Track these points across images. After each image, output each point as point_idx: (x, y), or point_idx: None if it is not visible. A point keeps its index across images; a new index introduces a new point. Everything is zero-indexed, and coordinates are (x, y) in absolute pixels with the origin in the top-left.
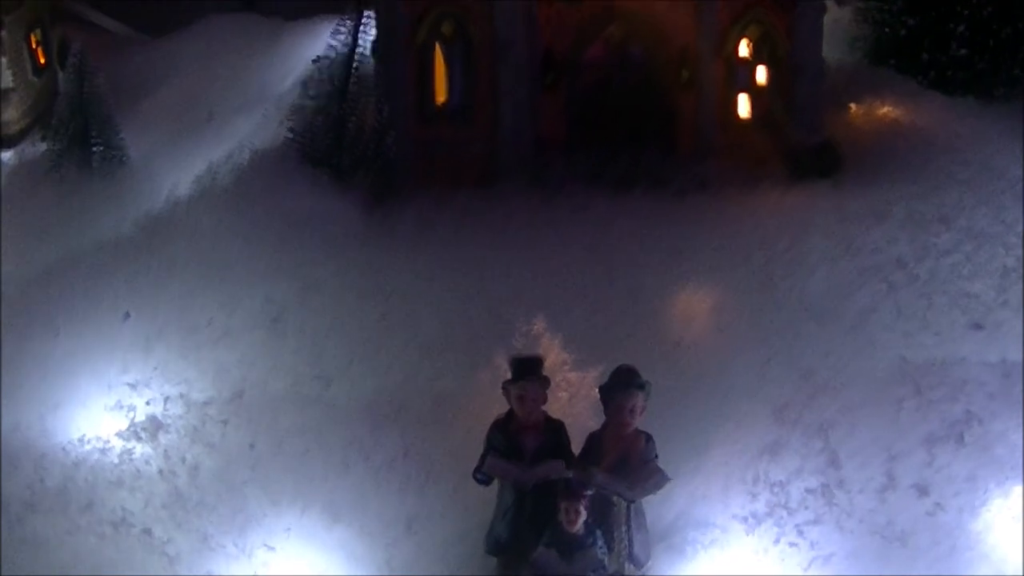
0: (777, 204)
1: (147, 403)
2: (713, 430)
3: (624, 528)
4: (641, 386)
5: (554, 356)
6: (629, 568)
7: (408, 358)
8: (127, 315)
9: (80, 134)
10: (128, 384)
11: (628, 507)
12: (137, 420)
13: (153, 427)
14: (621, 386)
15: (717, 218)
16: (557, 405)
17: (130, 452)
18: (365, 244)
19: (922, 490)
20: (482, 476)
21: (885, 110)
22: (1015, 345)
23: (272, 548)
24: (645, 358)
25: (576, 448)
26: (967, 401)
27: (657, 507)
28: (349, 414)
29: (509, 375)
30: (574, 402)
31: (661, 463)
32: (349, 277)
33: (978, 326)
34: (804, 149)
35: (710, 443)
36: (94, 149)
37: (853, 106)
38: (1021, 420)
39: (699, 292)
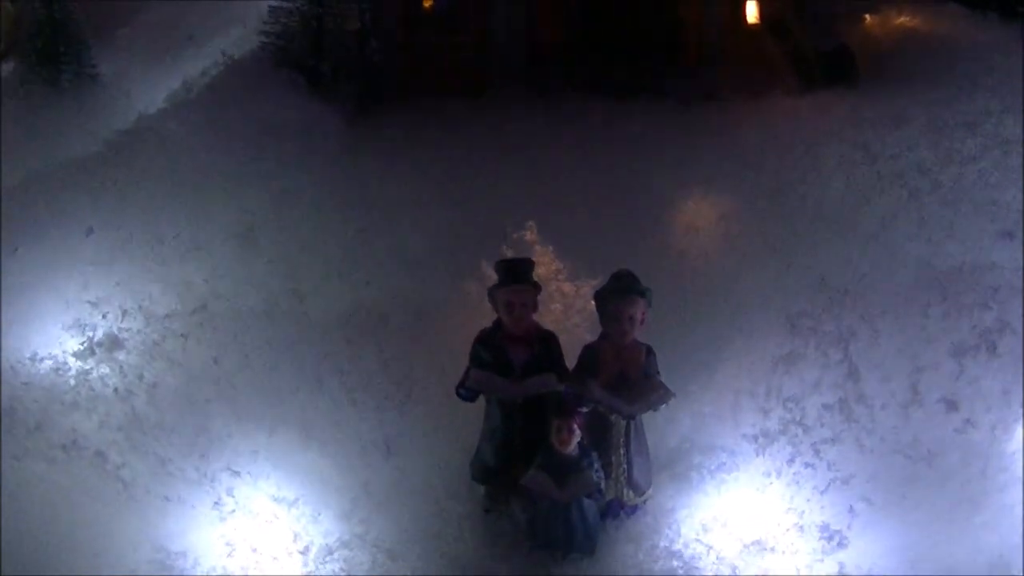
0: (789, 112)
1: (103, 316)
2: (722, 344)
3: (622, 451)
4: (642, 292)
5: (547, 265)
6: (628, 495)
7: (390, 271)
8: (90, 230)
9: (49, 53)
10: (88, 302)
11: (627, 427)
12: (96, 339)
13: (110, 343)
14: (619, 291)
15: (724, 127)
16: (551, 318)
17: (87, 373)
18: (346, 153)
19: (951, 405)
20: (466, 392)
21: (902, 19)
22: None
23: (237, 472)
24: (647, 269)
25: (571, 365)
26: (1000, 309)
27: (660, 428)
28: (324, 327)
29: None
30: (569, 315)
31: (664, 381)
32: (328, 188)
33: (1008, 235)
34: (818, 55)
35: (719, 358)
36: (63, 68)
37: (868, 17)
38: None
39: (705, 201)
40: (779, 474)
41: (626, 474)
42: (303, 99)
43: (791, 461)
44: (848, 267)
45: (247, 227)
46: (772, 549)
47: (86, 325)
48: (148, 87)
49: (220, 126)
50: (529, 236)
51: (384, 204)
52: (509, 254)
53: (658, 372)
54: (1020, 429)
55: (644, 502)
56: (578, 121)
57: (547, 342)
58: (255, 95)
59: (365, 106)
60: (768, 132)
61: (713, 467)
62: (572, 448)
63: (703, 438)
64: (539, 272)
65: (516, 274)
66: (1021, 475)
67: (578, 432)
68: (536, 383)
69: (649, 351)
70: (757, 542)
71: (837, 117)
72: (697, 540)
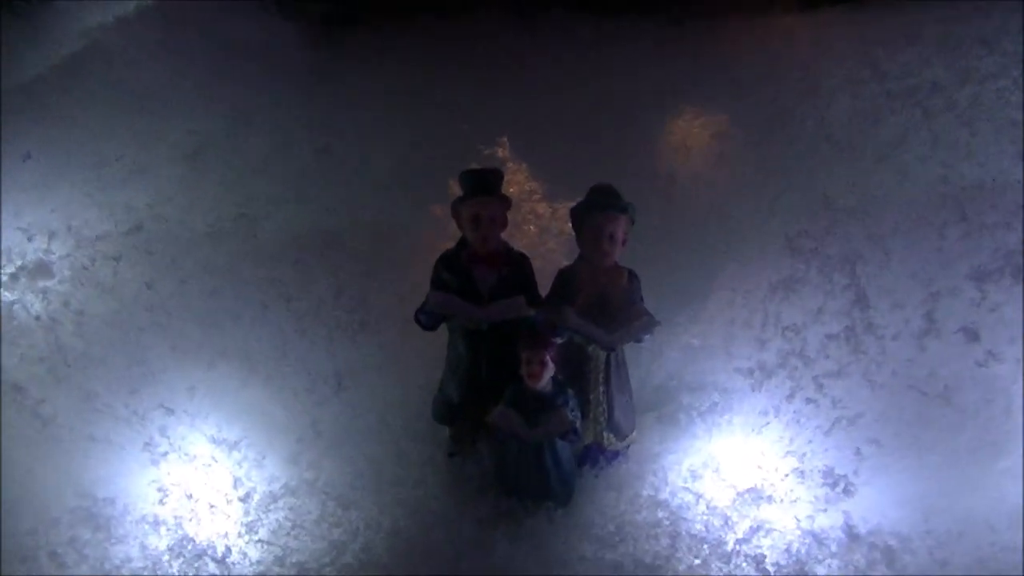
0: (789, 30)
1: (29, 239)
2: (714, 269)
3: (602, 388)
4: (623, 208)
5: (520, 184)
6: (608, 438)
7: (352, 193)
8: (27, 155)
9: None
10: (19, 229)
11: (607, 361)
12: (22, 266)
13: (36, 269)
14: (598, 206)
15: (720, 45)
16: (524, 241)
17: (11, 304)
18: (310, 73)
19: (971, 335)
20: (426, 317)
21: None
22: None
23: (171, 410)
24: (632, 190)
25: (545, 292)
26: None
27: (645, 364)
28: (271, 249)
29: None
30: (544, 238)
31: (652, 311)
32: (288, 108)
33: None
34: None
35: (710, 285)
36: None
37: None
38: None
39: (698, 121)
40: (777, 412)
41: (606, 415)
42: (266, 16)
43: (790, 397)
44: (854, 188)
45: (197, 148)
46: (769, 497)
47: (15, 253)
48: (105, 10)
49: (175, 45)
50: (501, 153)
51: (348, 125)
52: None
53: (642, 299)
54: None
55: (627, 447)
56: (562, 39)
57: (518, 264)
58: (214, 12)
59: (333, 24)
60: (766, 51)
61: (704, 407)
62: (544, 383)
63: (693, 375)
64: (511, 191)
65: (483, 185)
66: None
67: (551, 365)
68: (503, 307)
69: (632, 275)
70: (752, 490)
71: (842, 35)
72: (685, 488)
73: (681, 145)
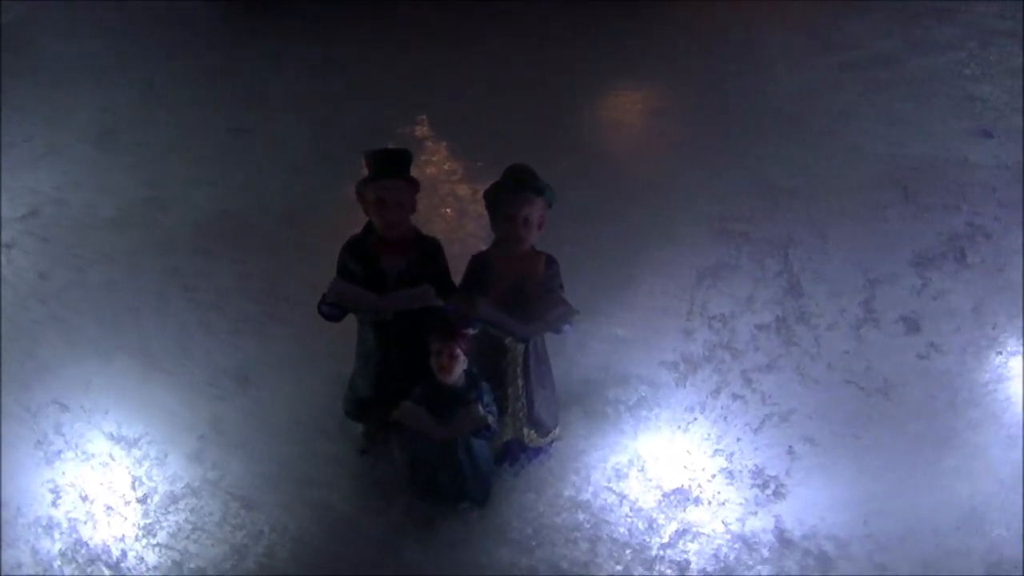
0: (734, 2)
1: None
2: (642, 254)
3: (520, 382)
4: (540, 190)
5: (439, 165)
6: (529, 435)
7: (264, 176)
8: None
9: None
10: None
11: (526, 353)
12: None
13: None
14: (512, 188)
15: (659, 16)
16: (442, 224)
17: None
18: (224, 49)
19: (912, 325)
20: (328, 308)
21: None
22: None
23: (66, 407)
24: (561, 170)
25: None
26: (970, 210)
27: (569, 356)
28: (174, 237)
29: None
30: (464, 221)
31: (575, 299)
32: (202, 85)
33: (986, 133)
34: None
35: (638, 271)
36: None
37: None
38: None
39: (633, 97)
40: (704, 409)
41: (525, 410)
42: None
43: (717, 392)
44: (796, 167)
45: (108, 128)
46: (696, 499)
47: None
48: None
49: (85, 19)
50: (419, 131)
51: (263, 103)
52: None
53: (561, 286)
54: (995, 354)
55: (550, 444)
56: (491, 14)
57: (428, 250)
58: None
59: (250, 1)
60: (711, 22)
61: (632, 402)
62: (456, 377)
63: (619, 367)
64: (429, 172)
65: (388, 166)
66: (996, 410)
67: (463, 358)
68: (407, 297)
69: (550, 261)
70: (679, 491)
71: (788, 6)
72: (608, 488)
73: (616, 122)
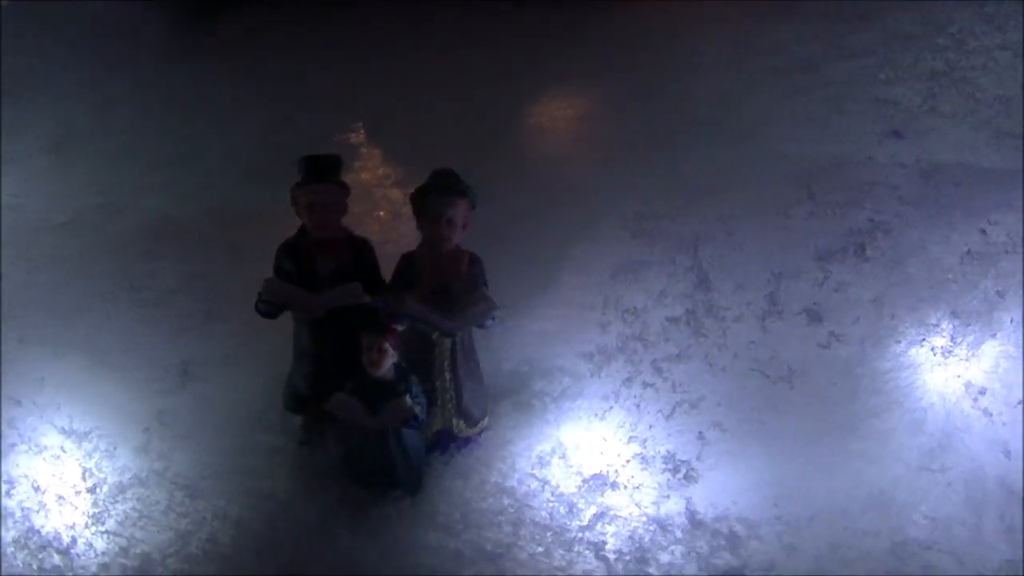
0: (665, 5)
1: None
2: (565, 252)
3: (448, 375)
4: (463, 192)
5: (373, 170)
6: (458, 425)
7: (212, 181)
8: None
9: None
10: None
11: (453, 347)
12: None
13: None
14: (436, 190)
15: (593, 20)
16: (376, 227)
17: None
18: (177, 58)
19: (814, 316)
20: (264, 306)
21: None
22: (942, 150)
23: (19, 402)
24: (493, 173)
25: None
26: (873, 207)
27: (496, 350)
28: (123, 241)
29: None
30: (396, 223)
31: (503, 296)
32: (155, 94)
33: (897, 134)
34: None
35: (561, 269)
36: None
37: None
38: (942, 229)
39: (563, 101)
40: (618, 397)
41: (454, 401)
42: (137, 3)
43: (629, 382)
44: (710, 168)
45: (64, 137)
46: (613, 484)
47: None
48: None
49: (43, 31)
50: (355, 139)
51: (214, 111)
52: None
53: (485, 284)
54: (894, 343)
55: (479, 433)
56: (426, 25)
57: (359, 250)
58: None
59: (201, 9)
60: (641, 27)
61: (556, 393)
62: (386, 370)
63: (543, 360)
64: (364, 177)
65: (319, 171)
66: (897, 396)
67: (391, 352)
68: (337, 294)
69: (474, 260)
70: (597, 476)
71: (714, 12)
72: (532, 475)
73: (543, 128)
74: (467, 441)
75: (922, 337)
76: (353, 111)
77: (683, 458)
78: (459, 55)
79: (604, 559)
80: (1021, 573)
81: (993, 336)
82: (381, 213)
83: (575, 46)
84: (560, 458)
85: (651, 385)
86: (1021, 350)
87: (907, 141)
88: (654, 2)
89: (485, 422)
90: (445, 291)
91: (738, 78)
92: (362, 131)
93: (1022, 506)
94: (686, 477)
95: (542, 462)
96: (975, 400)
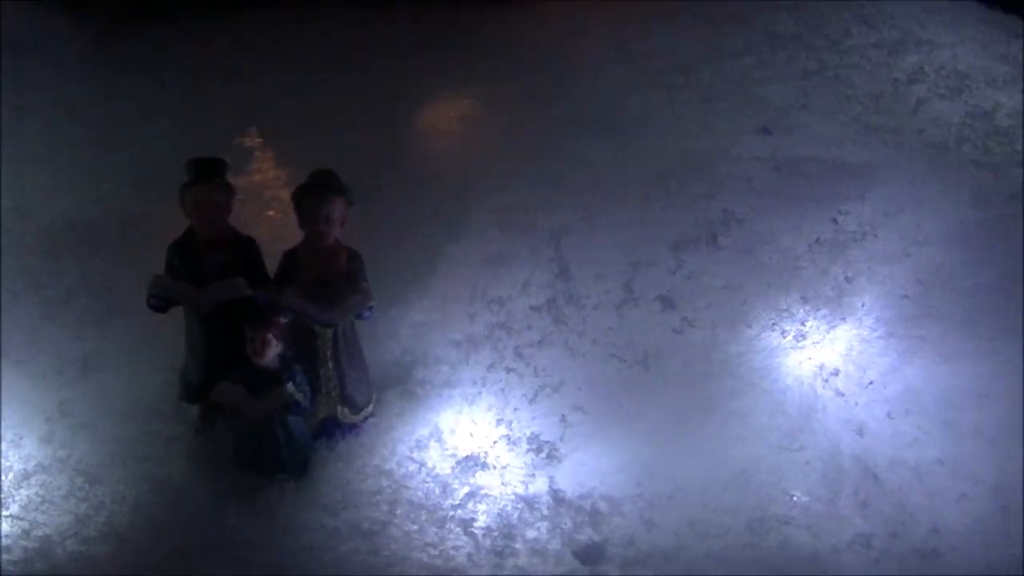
0: (547, 13)
1: None
2: (442, 248)
3: (331, 364)
4: (340, 190)
5: (265, 172)
6: (343, 412)
7: (118, 184)
8: None
9: None
10: None
11: (335, 338)
12: None
13: None
14: (314, 189)
15: (477, 25)
16: (266, 226)
17: None
18: (90, 69)
19: (667, 303)
20: (155, 300)
21: None
22: (811, 145)
23: None
24: (381, 174)
25: None
26: (726, 198)
27: (382, 341)
28: (28, 241)
29: None
30: (287, 223)
31: (387, 289)
32: (67, 104)
33: (766, 130)
34: None
35: (438, 263)
36: None
37: None
38: (793, 220)
39: (452, 104)
40: (485, 383)
41: (338, 389)
42: (52, 14)
43: (492, 367)
44: (580, 165)
45: None
46: (484, 465)
47: None
48: None
49: None
50: (249, 142)
51: (118, 121)
52: (227, 162)
53: (365, 278)
54: (746, 328)
55: (363, 420)
56: (320, 30)
57: (244, 247)
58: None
59: (109, 26)
60: (525, 32)
61: (437, 380)
62: (270, 360)
63: (423, 349)
64: (257, 179)
65: (203, 172)
66: (751, 379)
67: (274, 342)
68: (220, 288)
69: (353, 255)
70: (469, 457)
71: (597, 18)
72: (410, 458)
73: (431, 130)
74: (352, 427)
75: (773, 321)
76: (248, 118)
77: (547, 439)
78: (349, 63)
79: (472, 535)
80: (871, 546)
81: (843, 320)
82: (271, 213)
83: (459, 50)
84: (437, 441)
85: (514, 370)
86: (873, 333)
87: (776, 137)
88: (535, 6)
89: (369, 409)
90: (324, 284)
91: (616, 79)
92: (255, 135)
93: (875, 482)
94: (549, 457)
95: (420, 445)
96: (826, 381)
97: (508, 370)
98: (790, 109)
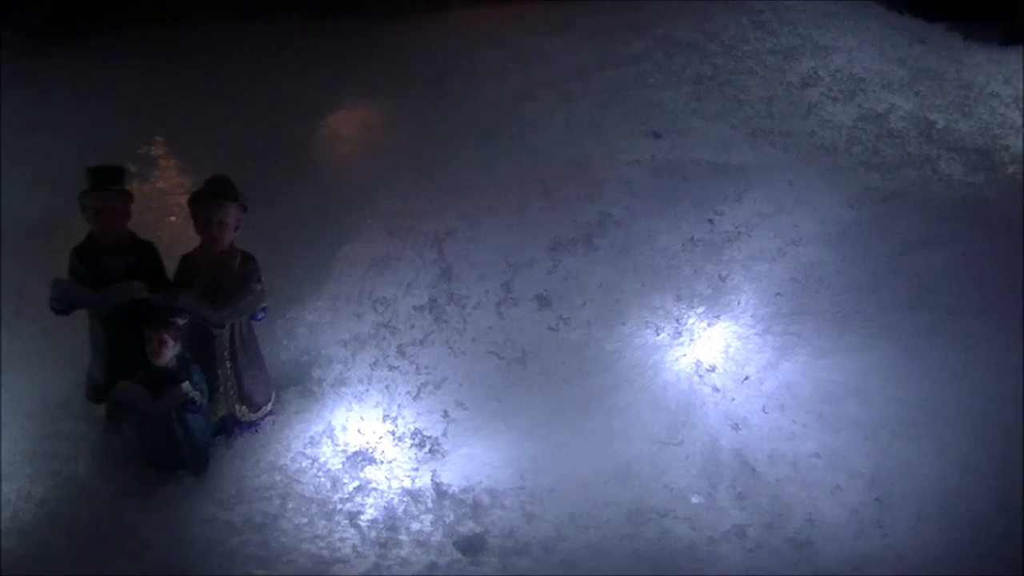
0: (449, 24)
1: None
2: (336, 251)
3: (228, 363)
4: (233, 196)
5: (169, 180)
6: (241, 410)
7: (31, 192)
8: None
9: None
10: None
11: (232, 338)
12: None
13: None
14: (208, 195)
15: (380, 39)
16: (169, 231)
17: None
18: (7, 80)
19: (544, 302)
20: (56, 303)
21: None
22: (698, 149)
23: None
24: (284, 182)
25: None
26: (604, 200)
27: (278, 341)
28: None
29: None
30: (188, 228)
31: (284, 291)
32: None
33: (656, 135)
34: None
35: (331, 265)
36: None
37: None
38: (669, 220)
39: (356, 112)
40: (370, 380)
41: (236, 388)
42: None
43: (376, 365)
44: (473, 170)
45: None
46: (371, 459)
47: None
48: None
49: None
50: (155, 151)
51: (32, 128)
52: (133, 169)
53: (260, 280)
54: (620, 325)
55: (262, 418)
56: (229, 39)
57: (143, 251)
58: None
59: (28, 43)
60: (421, 42)
61: (331, 378)
62: (167, 360)
63: (318, 349)
64: (160, 186)
65: (101, 179)
66: (627, 375)
67: (171, 343)
68: (116, 291)
69: (246, 258)
70: (359, 452)
71: (503, 26)
72: (303, 454)
73: (335, 137)
74: (250, 425)
75: (647, 319)
76: (155, 128)
77: (430, 434)
78: (254, 74)
79: (358, 527)
80: (745, 536)
81: (719, 317)
82: (173, 218)
83: (362, 61)
84: (329, 437)
85: (396, 368)
86: (749, 330)
87: (663, 140)
88: (436, 16)
89: (268, 407)
90: (218, 287)
91: (514, 87)
92: (161, 144)
93: (753, 475)
94: (432, 451)
95: (313, 442)
96: (701, 377)
97: (391, 368)
98: (681, 113)
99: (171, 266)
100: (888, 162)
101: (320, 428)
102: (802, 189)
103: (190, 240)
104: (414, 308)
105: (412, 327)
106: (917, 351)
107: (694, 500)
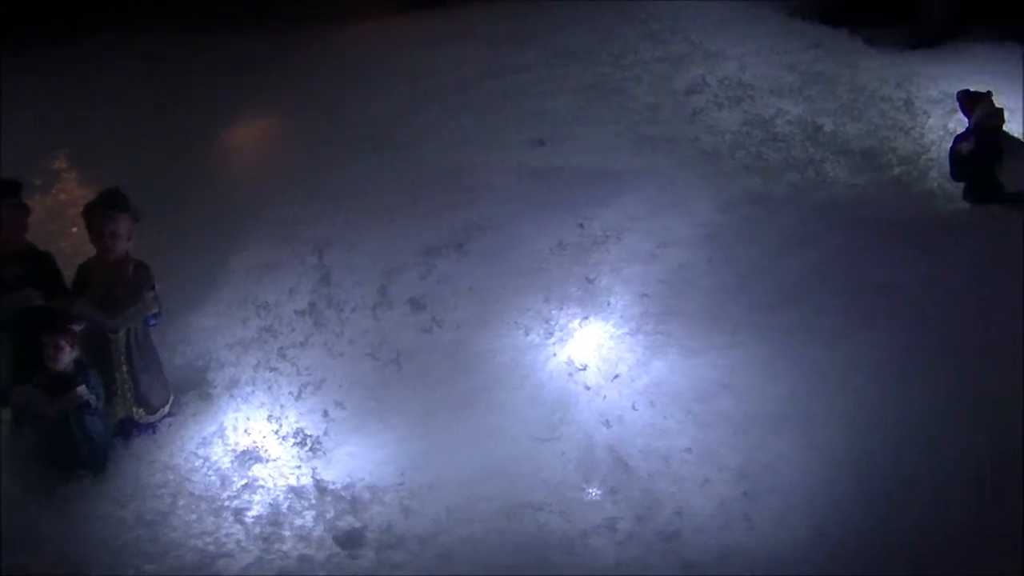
0: (354, 36)
1: None
2: (226, 258)
3: (125, 368)
4: (125, 208)
5: (70, 192)
6: (138, 413)
7: None
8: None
9: None
10: None
11: (127, 343)
12: None
13: None
14: (100, 207)
15: (280, 54)
16: (70, 241)
17: None
18: None
19: (417, 305)
20: None
21: None
22: (579, 155)
23: None
24: (181, 192)
25: None
26: (478, 207)
27: (172, 346)
28: None
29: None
30: (88, 239)
31: (182, 298)
32: None
33: (540, 142)
34: None
35: (220, 271)
36: None
37: None
38: (538, 225)
39: (257, 123)
40: (255, 382)
41: (132, 391)
42: None
43: (258, 367)
44: (359, 179)
45: None
46: (259, 458)
47: None
48: None
49: None
50: (59, 164)
51: None
52: (37, 183)
53: (153, 287)
54: (492, 327)
55: (160, 420)
56: (133, 54)
57: (40, 260)
58: None
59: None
60: (323, 58)
61: (225, 381)
62: (64, 364)
63: (210, 353)
64: (61, 198)
65: (1, 193)
66: (499, 375)
67: (68, 348)
68: (12, 299)
69: (139, 266)
70: (247, 451)
71: (398, 37)
72: (195, 454)
73: (234, 148)
74: (148, 427)
75: (515, 320)
76: (59, 142)
77: (311, 433)
78: (155, 88)
79: (243, 523)
80: (616, 529)
81: (588, 318)
82: (75, 229)
83: (262, 75)
84: (220, 437)
85: (277, 369)
86: (619, 330)
87: (549, 147)
88: (337, 31)
89: (166, 409)
90: (112, 294)
91: (404, 99)
92: (65, 158)
93: (625, 470)
94: (313, 450)
95: (206, 442)
96: (572, 376)
97: (273, 369)
98: (566, 121)
99: (72, 275)
100: (771, 166)
101: (213, 429)
102: (677, 193)
103: (91, 250)
104: (295, 312)
105: (293, 330)
106: (785, 349)
107: (568, 495)
